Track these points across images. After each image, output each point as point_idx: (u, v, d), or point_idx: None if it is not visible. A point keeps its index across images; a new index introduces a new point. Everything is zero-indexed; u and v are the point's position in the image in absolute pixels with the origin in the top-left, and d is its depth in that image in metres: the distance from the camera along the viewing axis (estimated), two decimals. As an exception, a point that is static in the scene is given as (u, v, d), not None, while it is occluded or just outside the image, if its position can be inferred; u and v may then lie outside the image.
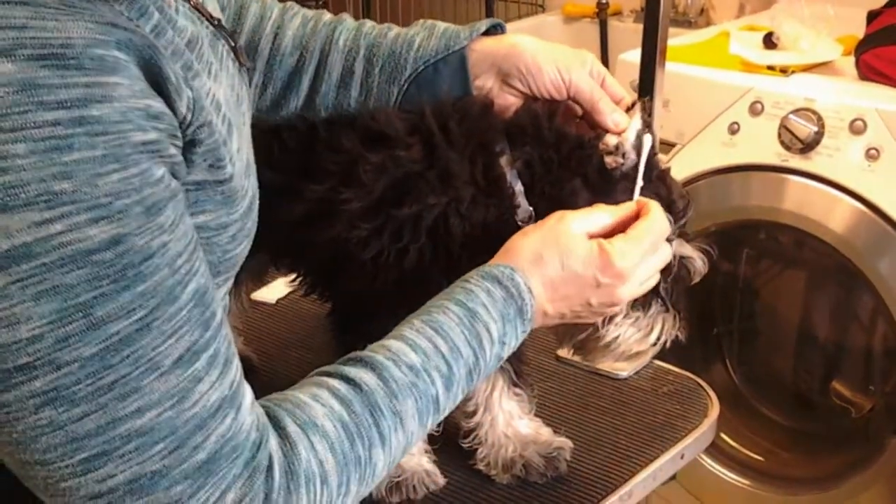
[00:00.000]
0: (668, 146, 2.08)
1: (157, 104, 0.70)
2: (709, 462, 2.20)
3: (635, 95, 1.09)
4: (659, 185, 1.05)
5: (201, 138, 0.76)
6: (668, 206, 1.03)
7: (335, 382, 0.82)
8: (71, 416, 0.67)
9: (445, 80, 1.08)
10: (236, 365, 0.77)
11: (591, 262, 0.93)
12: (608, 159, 1.02)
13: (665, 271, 1.03)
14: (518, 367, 1.19)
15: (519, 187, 1.03)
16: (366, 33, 1.12)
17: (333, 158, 1.05)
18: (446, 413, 0.89)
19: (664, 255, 0.99)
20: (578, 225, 0.95)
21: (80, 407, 0.67)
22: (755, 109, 1.99)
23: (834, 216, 1.94)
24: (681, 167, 2.03)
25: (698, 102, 2.06)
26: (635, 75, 1.68)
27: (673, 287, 1.06)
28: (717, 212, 2.06)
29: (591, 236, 0.95)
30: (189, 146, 0.75)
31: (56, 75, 0.64)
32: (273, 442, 0.76)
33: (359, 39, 1.11)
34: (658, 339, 1.07)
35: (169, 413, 0.70)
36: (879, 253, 1.90)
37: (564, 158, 1.03)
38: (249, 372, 0.82)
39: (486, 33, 1.11)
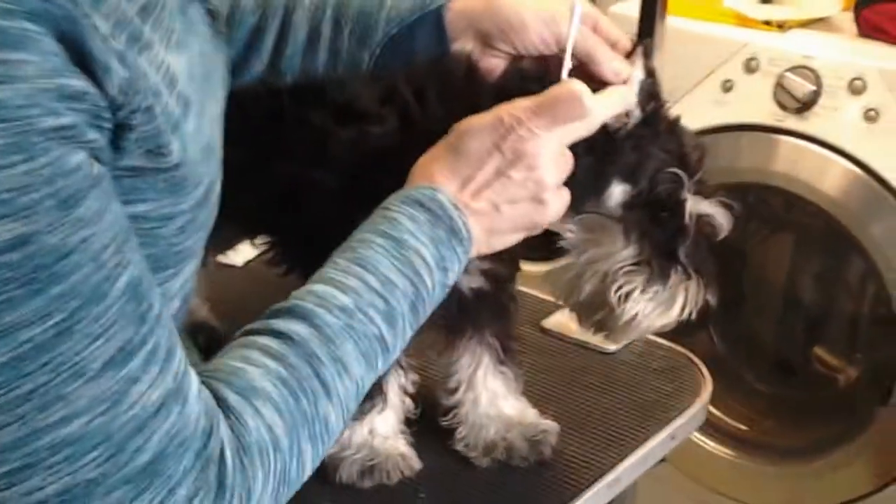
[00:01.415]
0: (658, 103, 2.01)
1: (77, 82, 0.62)
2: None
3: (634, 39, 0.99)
4: (668, 137, 0.97)
5: (135, 124, 0.67)
6: (681, 159, 0.95)
7: (265, 340, 0.75)
8: None
9: (421, 43, 0.99)
10: (179, 353, 0.69)
11: (486, 129, 0.85)
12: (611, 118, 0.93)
13: (682, 234, 0.95)
14: (506, 343, 1.12)
15: None
16: None
17: (301, 135, 0.98)
18: (399, 351, 0.82)
19: (585, 111, 0.86)
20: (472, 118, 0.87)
21: None
22: (750, 66, 1.92)
23: (827, 179, 1.89)
24: (672, 126, 1.96)
25: (690, 58, 1.97)
26: (629, 29, 1.59)
27: (694, 250, 0.97)
28: (709, 172, 1.99)
29: None
30: (120, 130, 0.66)
31: None
32: (222, 423, 0.69)
33: None
34: (683, 309, 0.99)
35: (101, 419, 0.63)
36: (873, 217, 1.86)
37: None
38: (215, 343, 0.77)
39: None
